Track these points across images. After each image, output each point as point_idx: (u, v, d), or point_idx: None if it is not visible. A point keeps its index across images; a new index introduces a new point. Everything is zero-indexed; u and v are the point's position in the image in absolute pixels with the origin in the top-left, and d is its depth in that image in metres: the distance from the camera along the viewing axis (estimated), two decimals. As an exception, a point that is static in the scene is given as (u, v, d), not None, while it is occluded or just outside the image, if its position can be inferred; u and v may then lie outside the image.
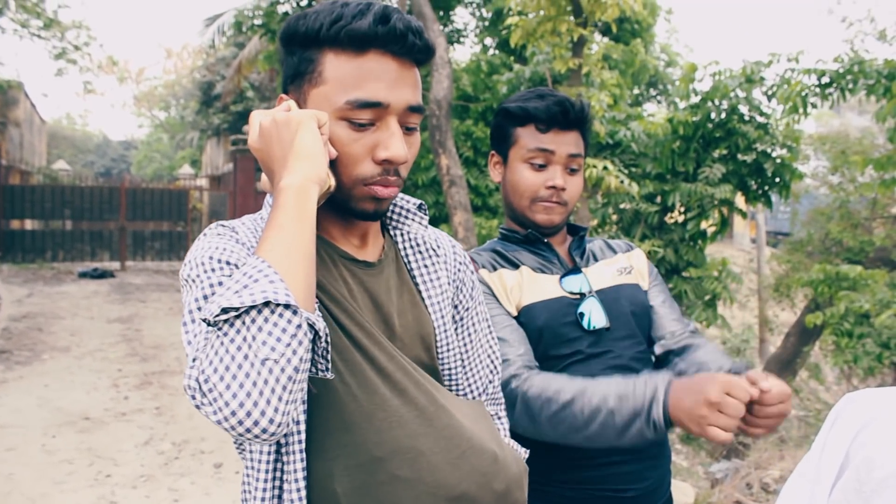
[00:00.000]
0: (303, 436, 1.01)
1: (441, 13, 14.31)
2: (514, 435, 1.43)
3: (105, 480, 4.49)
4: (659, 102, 18.83)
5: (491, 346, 1.32)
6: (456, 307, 1.25)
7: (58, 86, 54.97)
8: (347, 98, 1.02)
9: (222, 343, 0.83)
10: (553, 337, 1.58)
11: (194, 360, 0.86)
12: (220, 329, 0.84)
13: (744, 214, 7.55)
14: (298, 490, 1.00)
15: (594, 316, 1.61)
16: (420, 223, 1.22)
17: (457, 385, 1.24)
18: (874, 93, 5.96)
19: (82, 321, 9.94)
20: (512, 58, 12.37)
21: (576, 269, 1.68)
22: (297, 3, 11.23)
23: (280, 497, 1.02)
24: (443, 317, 1.19)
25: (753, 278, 15.65)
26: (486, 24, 15.20)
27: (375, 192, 1.06)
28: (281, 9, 11.09)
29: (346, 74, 1.03)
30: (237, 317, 0.84)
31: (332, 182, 1.04)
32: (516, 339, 1.54)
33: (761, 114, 7.13)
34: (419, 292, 1.19)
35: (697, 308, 7.87)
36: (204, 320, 0.85)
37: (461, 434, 1.08)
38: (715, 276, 7.71)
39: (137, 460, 4.89)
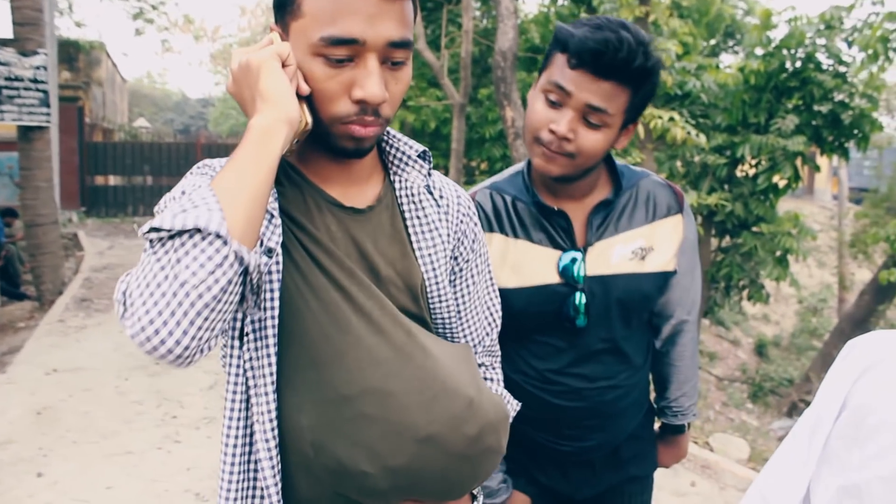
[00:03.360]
0: (273, 368, 1.03)
1: (510, -37, 14.00)
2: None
3: (171, 421, 4.70)
4: (736, 53, 18.09)
5: (491, 299, 1.31)
6: (455, 259, 1.22)
7: (138, 45, 56.41)
8: (321, 34, 0.97)
9: (150, 261, 0.84)
10: (529, 321, 1.51)
11: (128, 273, 0.87)
12: (152, 247, 0.85)
13: (817, 167, 7.23)
14: (271, 420, 1.03)
15: (574, 314, 1.49)
16: (419, 171, 1.17)
17: (452, 336, 1.23)
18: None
19: (159, 272, 10.29)
20: (582, 8, 12.05)
21: (575, 248, 1.50)
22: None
23: (252, 431, 1.05)
24: (434, 269, 1.16)
25: (834, 236, 15.07)
26: (556, -27, 14.82)
27: (352, 131, 1.02)
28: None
29: (322, 8, 0.97)
30: (170, 238, 0.84)
31: (309, 119, 1.01)
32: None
33: (840, 62, 6.78)
34: (411, 243, 1.15)
35: (768, 265, 7.65)
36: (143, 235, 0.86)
37: (435, 376, 1.06)
38: (789, 232, 7.45)
39: (202, 403, 5.10)
